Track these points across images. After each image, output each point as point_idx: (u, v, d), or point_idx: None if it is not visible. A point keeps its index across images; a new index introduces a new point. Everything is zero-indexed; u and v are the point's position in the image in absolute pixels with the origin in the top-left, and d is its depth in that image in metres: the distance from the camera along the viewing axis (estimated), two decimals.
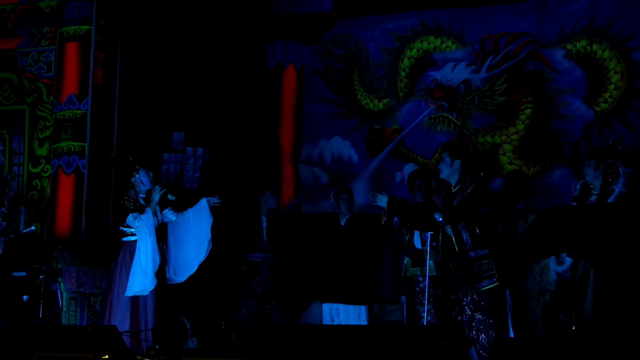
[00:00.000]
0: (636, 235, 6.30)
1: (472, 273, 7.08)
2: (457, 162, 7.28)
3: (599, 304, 6.38)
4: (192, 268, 7.64)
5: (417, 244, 8.16)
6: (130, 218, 7.44)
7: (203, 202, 7.69)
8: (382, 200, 7.61)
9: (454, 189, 7.29)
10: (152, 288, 7.35)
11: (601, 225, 6.37)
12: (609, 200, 6.72)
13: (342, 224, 8.68)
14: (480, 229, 7.06)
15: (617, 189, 6.68)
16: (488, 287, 7.07)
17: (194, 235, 7.65)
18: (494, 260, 7.11)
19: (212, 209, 7.68)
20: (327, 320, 8.60)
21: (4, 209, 7.47)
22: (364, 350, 5.86)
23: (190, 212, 7.71)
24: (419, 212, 7.65)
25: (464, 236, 7.10)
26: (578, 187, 6.91)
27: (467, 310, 7.09)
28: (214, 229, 7.65)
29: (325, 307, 8.65)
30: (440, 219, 7.17)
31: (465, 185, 7.23)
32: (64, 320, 8.47)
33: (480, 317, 7.04)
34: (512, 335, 7.35)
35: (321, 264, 8.76)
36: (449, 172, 7.31)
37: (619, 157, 6.72)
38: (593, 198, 6.84)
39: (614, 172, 6.68)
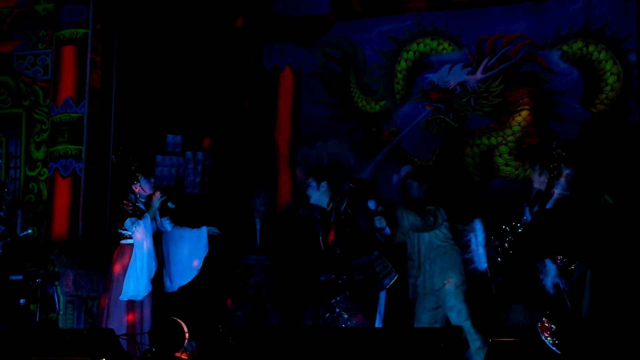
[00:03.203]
0: (634, 236, 6.30)
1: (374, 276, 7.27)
2: (324, 184, 7.47)
3: (596, 305, 6.38)
4: (185, 280, 7.70)
5: None
6: (128, 223, 7.43)
7: (203, 230, 7.74)
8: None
9: (327, 208, 7.40)
10: (146, 294, 7.35)
11: (598, 227, 6.36)
12: (548, 205, 6.66)
13: None
14: (357, 241, 7.22)
15: (556, 191, 6.64)
16: (391, 283, 7.26)
17: (188, 257, 7.70)
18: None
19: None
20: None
21: (2, 213, 7.45)
22: (362, 352, 5.87)
23: (187, 232, 7.76)
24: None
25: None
26: (534, 192, 6.88)
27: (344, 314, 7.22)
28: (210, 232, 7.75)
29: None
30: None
31: (337, 201, 7.35)
32: (61, 324, 8.46)
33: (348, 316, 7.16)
34: None
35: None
36: (317, 195, 7.46)
37: (561, 161, 6.66)
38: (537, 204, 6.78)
39: (558, 177, 6.65)
